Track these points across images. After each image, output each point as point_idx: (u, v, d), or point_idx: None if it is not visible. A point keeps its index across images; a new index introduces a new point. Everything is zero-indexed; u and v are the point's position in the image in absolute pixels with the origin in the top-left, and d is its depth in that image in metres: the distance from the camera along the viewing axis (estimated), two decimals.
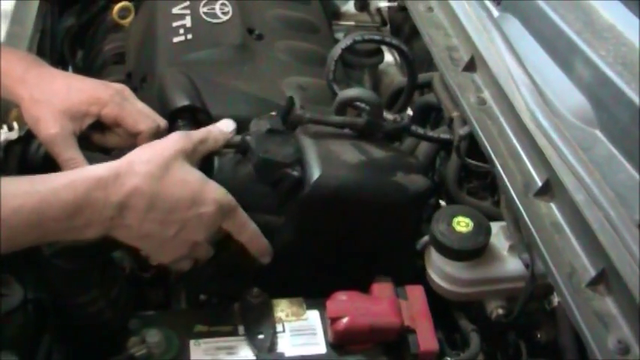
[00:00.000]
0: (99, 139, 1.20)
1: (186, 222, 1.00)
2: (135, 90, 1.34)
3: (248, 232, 1.06)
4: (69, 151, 1.11)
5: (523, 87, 1.14)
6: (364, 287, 1.11)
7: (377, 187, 1.13)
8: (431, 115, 1.47)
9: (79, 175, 0.96)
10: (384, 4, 1.86)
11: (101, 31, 1.66)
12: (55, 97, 1.13)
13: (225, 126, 1.12)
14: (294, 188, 1.09)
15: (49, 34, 1.62)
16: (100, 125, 1.17)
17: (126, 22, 1.60)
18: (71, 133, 1.12)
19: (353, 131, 1.19)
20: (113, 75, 1.47)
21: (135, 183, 0.97)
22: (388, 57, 1.75)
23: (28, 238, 0.93)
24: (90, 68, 1.59)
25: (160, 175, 0.99)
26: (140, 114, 1.17)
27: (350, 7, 1.91)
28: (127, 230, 0.98)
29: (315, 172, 1.08)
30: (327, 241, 1.14)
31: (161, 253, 1.03)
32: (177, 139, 1.04)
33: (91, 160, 1.10)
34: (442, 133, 1.29)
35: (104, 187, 0.95)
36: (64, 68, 1.52)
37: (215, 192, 1.02)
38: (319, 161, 1.10)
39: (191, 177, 1.02)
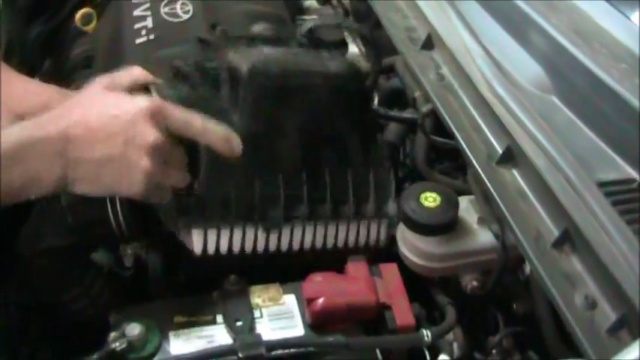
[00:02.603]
0: None
1: (126, 128, 0.99)
2: None
3: (195, 124, 1.05)
4: None
5: (479, 59, 1.16)
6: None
7: (308, 68, 1.18)
8: (399, 99, 1.48)
9: (15, 126, 1.00)
10: None
11: (69, 38, 1.66)
12: (12, 100, 1.15)
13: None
14: (234, 81, 1.13)
15: (17, 44, 1.63)
16: None
17: (89, 28, 1.60)
18: None
19: (269, 42, 1.25)
20: (82, 79, 1.47)
21: (65, 117, 1.00)
22: (355, 49, 1.77)
23: None
24: (59, 74, 1.60)
25: (84, 103, 1.03)
26: None
27: (313, 1, 1.91)
28: (82, 165, 0.99)
29: (245, 63, 1.13)
30: (282, 129, 1.15)
31: (131, 179, 1.01)
32: (96, 80, 1.09)
33: None
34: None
35: (40, 126, 0.99)
36: (32, 77, 1.53)
37: (137, 97, 1.05)
38: (245, 54, 1.15)
39: (111, 94, 1.05)
